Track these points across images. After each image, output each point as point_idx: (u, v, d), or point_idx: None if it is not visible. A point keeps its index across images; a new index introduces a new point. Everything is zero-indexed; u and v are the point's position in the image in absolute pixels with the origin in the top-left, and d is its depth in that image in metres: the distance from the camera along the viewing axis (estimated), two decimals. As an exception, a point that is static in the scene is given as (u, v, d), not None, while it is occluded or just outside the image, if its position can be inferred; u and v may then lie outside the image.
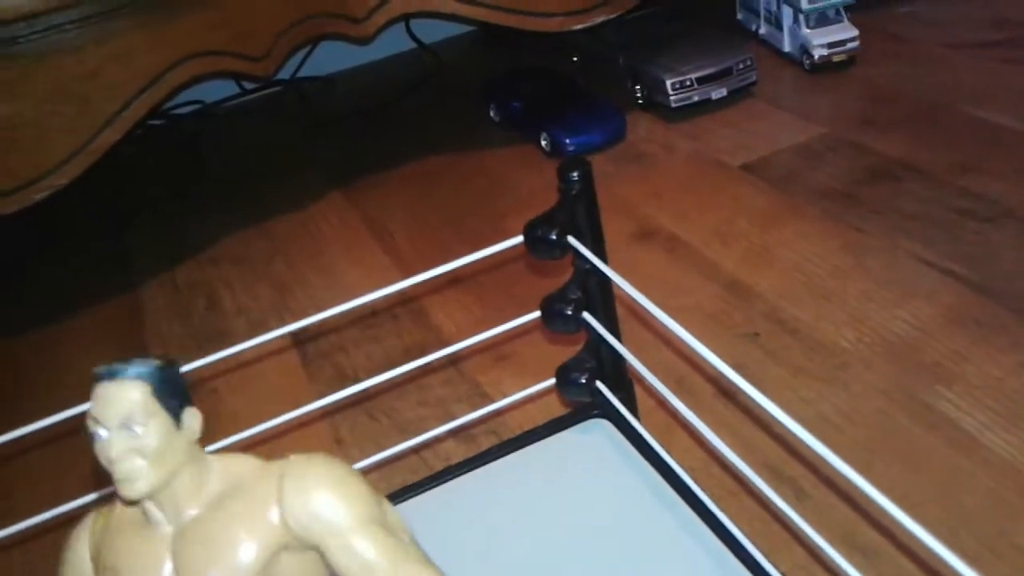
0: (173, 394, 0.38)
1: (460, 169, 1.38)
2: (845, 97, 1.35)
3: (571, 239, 0.60)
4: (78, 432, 0.40)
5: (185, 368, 0.64)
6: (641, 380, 0.62)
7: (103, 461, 0.36)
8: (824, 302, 0.94)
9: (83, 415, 0.38)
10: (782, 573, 0.53)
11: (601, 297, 0.65)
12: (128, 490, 0.36)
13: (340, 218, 1.31)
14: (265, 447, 0.89)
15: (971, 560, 0.65)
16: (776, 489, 0.73)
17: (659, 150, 1.32)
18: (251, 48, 1.07)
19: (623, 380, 0.68)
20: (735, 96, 1.38)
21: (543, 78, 1.47)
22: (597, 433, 0.68)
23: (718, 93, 1.37)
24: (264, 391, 0.96)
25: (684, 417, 0.55)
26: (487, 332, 0.69)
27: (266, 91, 1.74)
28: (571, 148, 1.32)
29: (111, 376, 0.37)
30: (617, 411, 0.66)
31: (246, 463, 0.39)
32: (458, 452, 0.83)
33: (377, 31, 1.18)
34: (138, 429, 0.36)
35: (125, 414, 0.36)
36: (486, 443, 0.83)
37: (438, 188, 1.34)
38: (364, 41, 1.20)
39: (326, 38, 1.25)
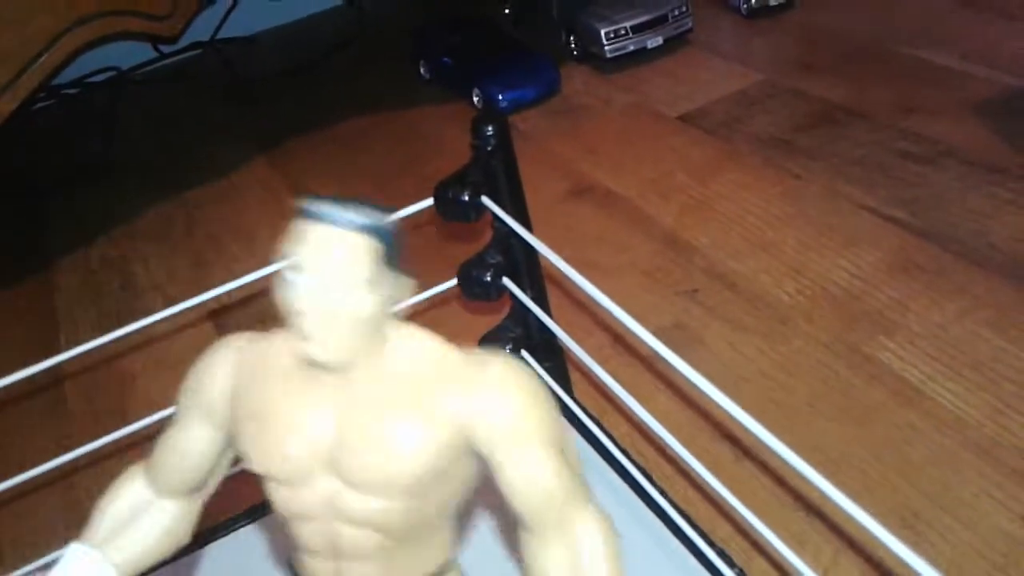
0: (397, 259, 0.33)
1: (389, 130, 1.33)
2: (783, 41, 1.31)
3: (486, 199, 0.55)
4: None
5: (91, 344, 0.59)
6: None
7: (289, 309, 0.31)
8: (763, 254, 0.91)
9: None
10: (713, 544, 0.49)
11: (525, 261, 0.61)
12: (318, 353, 0.31)
13: (263, 186, 1.25)
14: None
15: (915, 516, 0.63)
16: (715, 450, 0.71)
17: (595, 103, 1.27)
18: (154, 6, 1.00)
19: (552, 348, 0.64)
20: (672, 44, 1.34)
21: (474, 30, 1.41)
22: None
23: (654, 42, 1.32)
24: (180, 372, 0.91)
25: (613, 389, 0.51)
26: (408, 300, 0.65)
27: (184, 55, 1.65)
28: (504, 104, 1.27)
29: (335, 220, 0.31)
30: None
31: (430, 342, 0.34)
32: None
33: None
34: (356, 293, 0.30)
35: (346, 273, 0.30)
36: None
37: (366, 151, 1.28)
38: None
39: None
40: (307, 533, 0.35)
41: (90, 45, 0.98)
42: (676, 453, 0.46)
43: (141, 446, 0.82)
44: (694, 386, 0.76)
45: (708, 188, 1.03)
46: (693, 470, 0.45)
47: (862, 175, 0.98)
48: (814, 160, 1.02)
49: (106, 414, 0.90)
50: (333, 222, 0.31)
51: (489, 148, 0.57)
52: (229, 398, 0.35)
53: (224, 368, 0.36)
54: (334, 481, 0.33)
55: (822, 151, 1.04)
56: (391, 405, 0.32)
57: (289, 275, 0.31)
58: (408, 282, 0.33)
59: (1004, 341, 0.75)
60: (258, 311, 0.98)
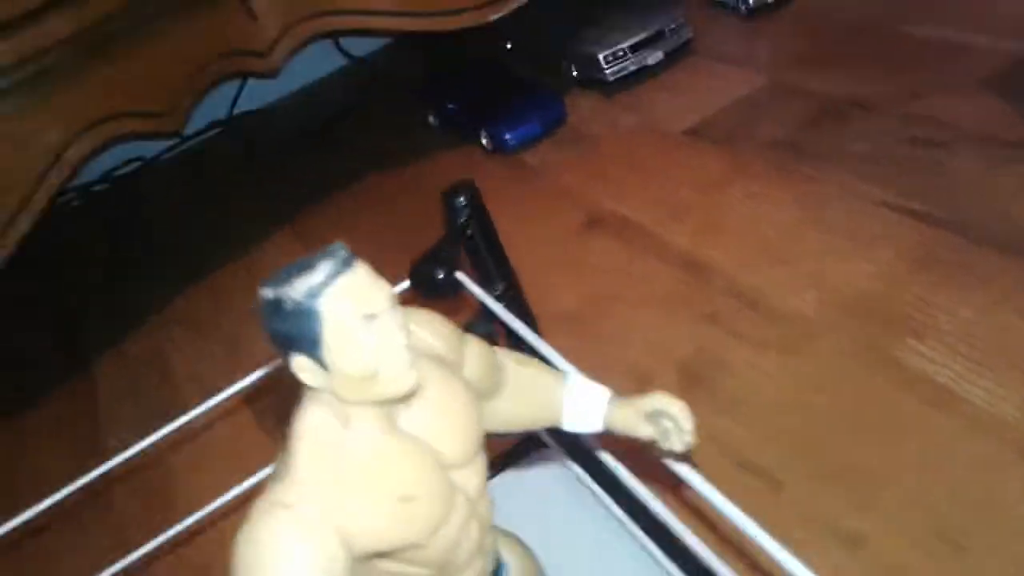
0: None
1: (406, 183, 1.33)
2: (784, 38, 1.29)
3: (460, 276, 0.55)
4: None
5: (133, 450, 0.61)
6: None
7: (375, 357, 0.33)
8: (782, 266, 0.89)
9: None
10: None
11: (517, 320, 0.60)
12: (412, 379, 0.35)
13: (288, 257, 1.26)
14: (230, 520, 0.85)
15: (960, 532, 0.61)
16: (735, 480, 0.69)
17: (602, 128, 1.26)
18: (152, 104, 1.02)
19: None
20: (674, 57, 1.32)
21: (476, 72, 1.42)
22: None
23: (654, 58, 1.31)
24: (222, 462, 0.92)
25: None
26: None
27: (206, 134, 1.69)
28: (512, 142, 1.27)
29: (349, 264, 0.34)
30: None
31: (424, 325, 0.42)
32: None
33: (284, 61, 1.13)
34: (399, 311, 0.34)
35: (391, 293, 0.34)
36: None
37: (387, 208, 1.29)
38: (272, 74, 1.15)
39: (232, 78, 1.20)
40: (462, 555, 0.38)
41: (95, 153, 1.00)
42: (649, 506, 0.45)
43: (193, 540, 0.83)
44: (716, 412, 0.75)
45: (719, 203, 1.01)
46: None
47: (874, 169, 0.95)
48: (824, 160, 1.00)
49: (155, 513, 0.91)
50: (348, 266, 0.34)
51: (462, 220, 0.57)
52: (344, 563, 0.35)
53: (322, 546, 0.35)
54: (457, 477, 0.37)
55: (831, 149, 1.01)
56: (442, 402, 0.38)
57: (364, 326, 0.33)
58: None
59: (1037, 329, 0.72)
60: (292, 391, 0.99)
